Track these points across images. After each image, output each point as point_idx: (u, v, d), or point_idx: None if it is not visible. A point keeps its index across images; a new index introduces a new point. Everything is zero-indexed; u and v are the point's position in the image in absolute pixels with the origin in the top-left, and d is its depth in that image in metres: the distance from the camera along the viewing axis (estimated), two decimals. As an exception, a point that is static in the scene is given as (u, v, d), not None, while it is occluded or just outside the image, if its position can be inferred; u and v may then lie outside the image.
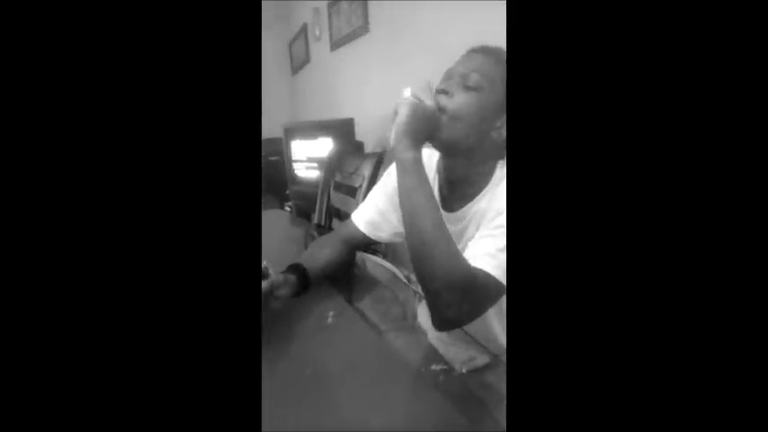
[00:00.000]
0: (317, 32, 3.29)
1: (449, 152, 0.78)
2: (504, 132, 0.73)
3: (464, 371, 0.72)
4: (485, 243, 0.66)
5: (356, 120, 2.50)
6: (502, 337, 0.83)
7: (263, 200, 2.45)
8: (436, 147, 0.76)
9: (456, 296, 0.61)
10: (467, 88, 0.72)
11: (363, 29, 2.48)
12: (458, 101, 0.72)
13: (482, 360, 0.83)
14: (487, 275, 0.62)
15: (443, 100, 0.72)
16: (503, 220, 0.66)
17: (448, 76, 0.76)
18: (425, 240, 0.63)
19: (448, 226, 0.83)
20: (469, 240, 0.71)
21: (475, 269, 0.63)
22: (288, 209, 2.99)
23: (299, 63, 3.99)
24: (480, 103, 0.71)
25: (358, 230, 0.96)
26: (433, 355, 0.73)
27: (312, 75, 3.68)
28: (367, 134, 2.46)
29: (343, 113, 2.69)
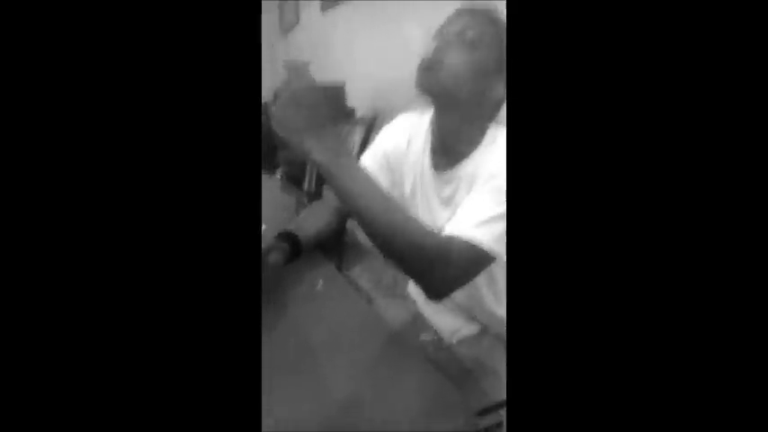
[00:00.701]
0: (308, -8, 3.17)
1: (441, 105, 0.76)
2: (499, 92, 0.72)
3: (453, 341, 0.72)
4: (471, 210, 0.66)
5: (347, 84, 2.44)
6: (492, 306, 0.84)
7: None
8: (429, 94, 0.75)
9: (436, 271, 0.61)
10: (463, 44, 0.70)
11: (355, -11, 2.39)
12: (454, 55, 0.70)
13: (471, 329, 0.83)
14: (469, 244, 0.62)
15: (438, 54, 0.70)
16: (494, 184, 0.66)
17: (440, 33, 0.74)
18: (386, 232, 0.60)
19: (438, 187, 0.83)
20: (459, 205, 0.70)
21: (452, 239, 0.63)
22: (277, 175, 2.95)
23: (288, 24, 3.86)
24: (475, 60, 0.70)
25: None
26: (423, 324, 0.73)
27: (302, 37, 3.56)
28: (359, 99, 2.41)
29: (334, 77, 2.63)
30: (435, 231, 0.65)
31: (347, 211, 0.96)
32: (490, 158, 0.71)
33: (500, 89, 0.72)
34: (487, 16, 0.72)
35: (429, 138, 0.84)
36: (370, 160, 0.94)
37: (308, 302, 0.74)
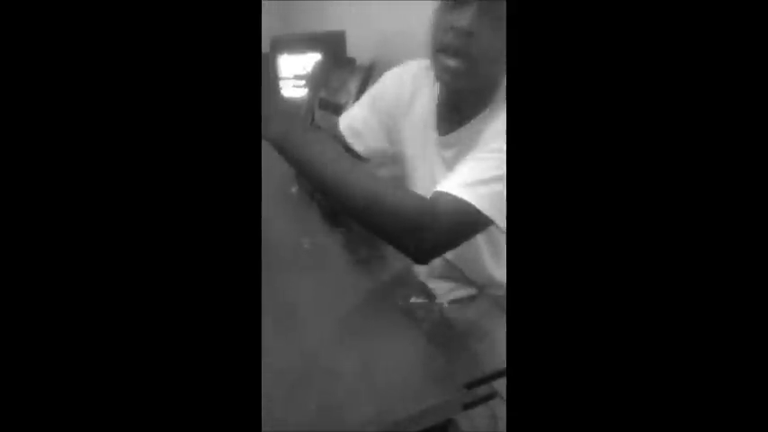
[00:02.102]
0: (308, -68, 2.98)
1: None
2: None
3: (446, 304, 0.68)
4: (463, 171, 0.61)
5: (348, 33, 2.32)
6: (491, 268, 0.80)
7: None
8: (448, 81, 0.68)
9: (421, 233, 0.57)
10: (496, 18, 0.59)
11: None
12: (484, 39, 0.61)
13: (466, 292, 0.80)
14: (456, 204, 0.58)
15: (457, 40, 0.61)
16: (492, 146, 0.61)
17: (459, 3, 0.61)
18: (359, 203, 0.58)
19: (439, 150, 0.77)
20: None
21: (439, 198, 0.59)
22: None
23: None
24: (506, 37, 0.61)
25: (341, 136, 0.89)
26: (414, 285, 0.69)
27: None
28: (360, 49, 2.30)
29: (334, 26, 2.50)
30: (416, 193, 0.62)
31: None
32: (493, 122, 0.66)
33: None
34: None
35: (435, 94, 0.77)
36: (366, 101, 0.88)
37: (293, 261, 0.71)
